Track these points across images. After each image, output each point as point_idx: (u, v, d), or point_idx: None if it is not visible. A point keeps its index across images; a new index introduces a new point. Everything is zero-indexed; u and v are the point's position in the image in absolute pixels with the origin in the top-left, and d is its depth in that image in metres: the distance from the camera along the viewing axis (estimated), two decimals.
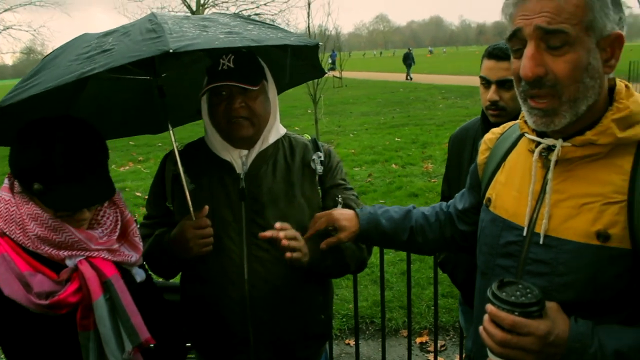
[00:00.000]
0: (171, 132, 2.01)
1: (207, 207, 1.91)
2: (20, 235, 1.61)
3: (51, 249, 1.62)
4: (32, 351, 1.64)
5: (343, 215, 1.88)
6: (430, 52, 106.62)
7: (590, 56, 1.23)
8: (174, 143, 1.98)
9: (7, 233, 1.62)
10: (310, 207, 2.06)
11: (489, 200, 1.54)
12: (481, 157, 1.66)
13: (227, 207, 1.98)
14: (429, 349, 4.17)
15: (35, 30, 38.15)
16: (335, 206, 2.08)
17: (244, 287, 1.96)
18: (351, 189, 2.20)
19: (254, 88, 1.92)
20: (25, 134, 1.62)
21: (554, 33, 1.21)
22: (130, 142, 13.92)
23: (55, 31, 43.32)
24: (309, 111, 11.20)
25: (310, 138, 2.20)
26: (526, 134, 1.43)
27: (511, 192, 1.47)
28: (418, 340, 4.30)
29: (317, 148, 2.14)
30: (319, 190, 2.09)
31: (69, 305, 1.62)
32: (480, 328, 1.27)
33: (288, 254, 1.79)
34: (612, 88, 1.34)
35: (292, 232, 1.83)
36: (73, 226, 1.66)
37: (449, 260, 2.59)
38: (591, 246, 1.27)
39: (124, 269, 1.79)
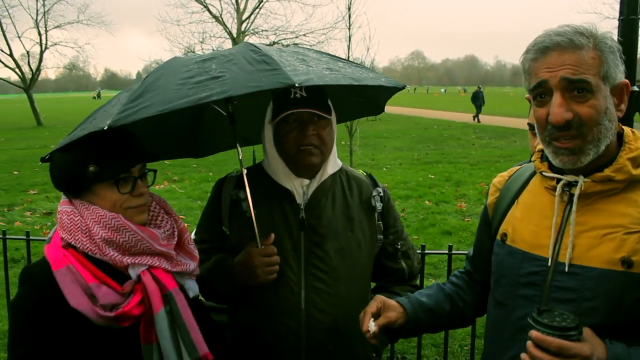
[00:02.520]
0: (240, 157, 2.04)
1: (273, 235, 1.94)
2: (87, 242, 1.66)
3: (116, 254, 1.66)
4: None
5: (387, 304, 1.77)
6: (464, 90, 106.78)
7: (607, 102, 1.41)
8: (242, 169, 2.02)
9: (73, 243, 1.67)
10: (367, 243, 2.09)
11: (505, 235, 1.64)
12: (491, 198, 1.78)
13: (286, 235, 2.00)
14: None
15: (80, 48, 39.30)
16: (395, 253, 2.13)
17: (301, 317, 1.97)
18: (403, 229, 2.25)
19: (329, 117, 1.98)
20: (63, 149, 1.72)
21: (578, 82, 1.38)
22: (166, 162, 14.15)
23: (99, 49, 44.56)
24: (343, 142, 11.29)
25: (365, 174, 2.23)
26: (544, 173, 1.56)
27: (528, 226, 1.58)
28: None
29: (375, 184, 2.18)
30: (379, 226, 2.12)
31: (132, 318, 1.66)
32: (524, 355, 1.33)
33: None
34: (619, 132, 1.51)
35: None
36: (135, 224, 1.70)
37: None
38: (616, 272, 1.38)
39: (179, 284, 1.81)
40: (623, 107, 1.44)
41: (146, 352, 1.69)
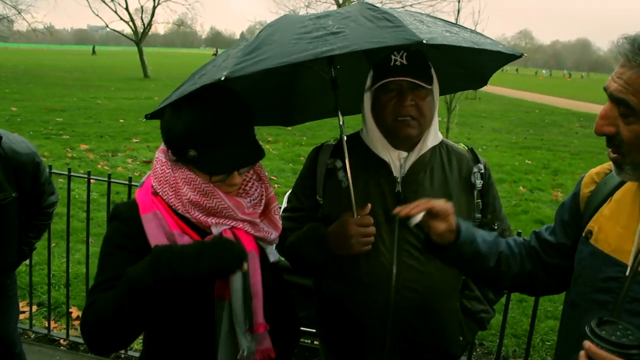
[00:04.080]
0: (341, 126, 2.01)
1: (369, 205, 1.90)
2: (173, 197, 1.69)
3: (200, 215, 1.68)
4: (170, 312, 1.69)
5: (448, 216, 1.71)
6: (570, 75, 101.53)
7: None
8: (343, 137, 1.98)
9: (161, 194, 1.70)
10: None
11: (590, 232, 1.52)
12: (585, 190, 1.63)
13: (380, 208, 1.96)
14: None
15: (190, 5, 40.57)
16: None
17: (390, 293, 1.94)
18: (501, 208, 2.15)
19: (429, 87, 1.90)
20: (177, 103, 1.67)
21: (619, 101, 1.30)
22: None
23: (207, 7, 45.69)
24: (440, 119, 11.02)
25: (467, 148, 2.14)
26: None
27: (615, 227, 1.45)
28: None
29: (477, 160, 2.09)
30: (478, 204, 2.05)
31: None
32: None
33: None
34: None
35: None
36: (224, 192, 1.70)
37: None
38: None
39: (260, 247, 1.82)
40: None
41: (218, 307, 1.71)
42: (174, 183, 1.69)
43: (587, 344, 1.23)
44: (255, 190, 1.82)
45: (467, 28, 2.05)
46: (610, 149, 1.39)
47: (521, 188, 9.87)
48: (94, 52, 76.12)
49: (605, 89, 1.35)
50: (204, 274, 1.51)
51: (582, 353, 1.24)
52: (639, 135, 1.30)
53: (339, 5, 25.49)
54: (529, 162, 12.42)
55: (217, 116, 1.63)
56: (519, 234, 3.06)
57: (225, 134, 1.64)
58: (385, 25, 1.63)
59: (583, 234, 1.56)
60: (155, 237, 1.65)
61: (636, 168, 1.35)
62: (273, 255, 1.90)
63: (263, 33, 1.76)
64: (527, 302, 5.02)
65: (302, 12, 26.38)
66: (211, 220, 1.69)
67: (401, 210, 1.68)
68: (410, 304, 1.94)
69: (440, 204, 1.68)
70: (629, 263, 1.38)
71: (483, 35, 2.02)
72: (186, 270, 1.50)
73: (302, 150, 11.81)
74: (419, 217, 1.65)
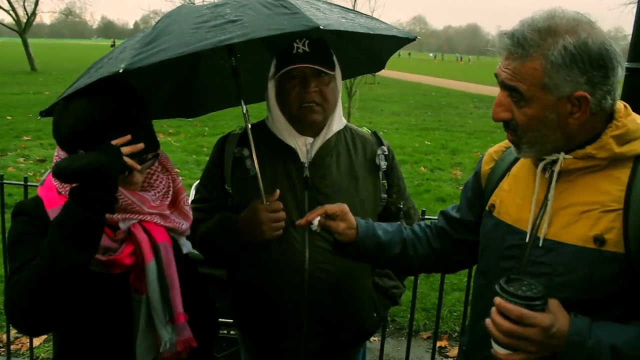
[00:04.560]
0: (245, 115, 2.00)
1: (278, 190, 1.92)
2: None
3: None
4: (86, 308, 1.67)
5: (346, 215, 1.81)
6: (460, 59, 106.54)
7: (548, 111, 1.40)
8: (248, 126, 1.98)
9: (64, 193, 1.64)
10: (371, 202, 2.08)
11: (493, 206, 1.66)
12: (485, 167, 1.78)
13: (290, 193, 1.98)
14: (447, 353, 4.20)
15: None
16: (397, 212, 2.12)
17: (304, 275, 1.97)
18: (405, 188, 2.23)
19: (331, 72, 1.93)
20: (65, 100, 1.62)
21: (511, 89, 1.43)
22: None
23: None
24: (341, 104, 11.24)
25: (370, 132, 2.20)
26: None
27: (515, 199, 1.60)
28: (438, 344, 4.30)
29: (380, 142, 2.15)
30: (383, 185, 2.10)
31: (123, 267, 1.65)
32: (487, 320, 1.37)
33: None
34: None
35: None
36: (126, 189, 1.67)
37: None
38: (588, 249, 1.40)
39: (172, 239, 1.81)
40: (579, 115, 1.40)
41: (136, 302, 1.69)
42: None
43: (497, 299, 1.35)
44: (161, 182, 1.80)
45: (362, 14, 2.12)
46: (508, 133, 1.51)
47: (422, 168, 10.24)
48: None
49: (496, 77, 1.46)
50: (93, 168, 1.46)
51: (493, 309, 1.36)
52: (531, 117, 1.42)
53: None
54: (429, 143, 12.89)
55: (102, 114, 1.57)
56: (423, 212, 3.18)
57: (110, 133, 1.57)
58: (282, 12, 1.65)
59: (486, 208, 1.69)
60: None
61: (532, 146, 1.47)
62: (186, 247, 1.89)
63: (160, 24, 1.73)
64: (434, 276, 5.23)
65: (198, 1, 25.79)
66: (117, 216, 1.65)
67: (301, 221, 1.78)
68: (324, 285, 1.98)
69: (334, 206, 1.79)
70: (528, 230, 1.52)
71: (378, 21, 2.09)
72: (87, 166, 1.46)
73: (205, 141, 11.61)
74: (316, 222, 1.75)
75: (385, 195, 2.12)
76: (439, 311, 3.30)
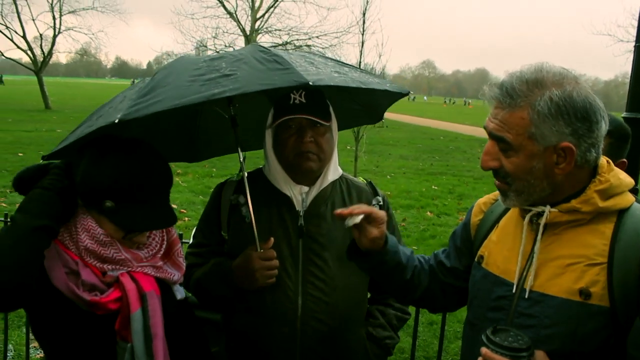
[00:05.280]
0: (242, 164, 2.04)
1: (272, 238, 1.94)
2: (69, 242, 1.67)
3: (95, 261, 1.68)
4: (71, 347, 1.68)
5: (380, 223, 1.77)
6: (468, 103, 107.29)
7: (535, 160, 1.44)
8: (244, 175, 2.01)
9: (59, 238, 1.68)
10: None
11: (482, 257, 1.69)
12: (475, 219, 1.81)
13: (284, 242, 2.00)
14: None
15: (93, 34, 39.37)
16: None
17: (297, 324, 1.97)
18: (400, 238, 2.24)
19: (327, 124, 1.98)
20: (99, 151, 1.68)
21: (498, 139, 1.47)
22: None
23: (112, 37, 44.52)
24: (348, 147, 11.31)
25: (366, 182, 2.23)
26: None
27: (502, 251, 1.63)
28: None
29: (375, 193, 2.17)
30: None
31: (107, 310, 1.67)
32: None
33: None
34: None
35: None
36: (125, 246, 1.71)
37: None
38: (574, 302, 1.43)
39: (165, 285, 1.83)
40: (564, 166, 1.44)
41: (120, 348, 1.70)
42: (69, 229, 1.68)
43: (483, 350, 1.36)
44: (154, 239, 1.83)
45: (357, 68, 2.19)
46: (497, 180, 1.55)
47: (429, 213, 10.21)
48: (1, 81, 71.48)
49: (485, 128, 1.50)
50: None
51: (479, 359, 1.36)
52: (519, 167, 1.46)
53: (245, 37, 25.71)
54: (436, 187, 12.88)
55: (146, 174, 1.66)
56: None
57: (150, 193, 1.68)
58: (275, 67, 1.70)
59: (475, 259, 1.71)
60: (52, 267, 1.63)
61: (519, 195, 1.51)
62: (179, 292, 1.90)
63: (158, 75, 1.79)
64: (437, 324, 5.17)
65: (210, 42, 26.27)
66: (107, 266, 1.69)
67: (344, 210, 1.71)
68: (316, 334, 1.98)
69: (378, 211, 1.76)
70: (515, 281, 1.55)
71: (372, 75, 2.15)
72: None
73: (212, 182, 11.67)
74: (358, 219, 1.71)
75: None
76: (439, 357, 3.25)
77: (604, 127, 1.43)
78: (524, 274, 1.53)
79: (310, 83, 1.59)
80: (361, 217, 1.70)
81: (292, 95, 1.94)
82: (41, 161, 1.88)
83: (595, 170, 1.50)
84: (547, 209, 1.49)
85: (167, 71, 1.81)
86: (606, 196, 1.46)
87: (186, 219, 8.45)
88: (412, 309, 2.40)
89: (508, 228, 1.66)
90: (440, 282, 1.87)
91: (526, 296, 1.50)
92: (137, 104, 1.60)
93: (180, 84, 1.66)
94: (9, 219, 3.61)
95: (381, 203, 2.15)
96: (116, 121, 1.52)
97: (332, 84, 1.73)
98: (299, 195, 2.03)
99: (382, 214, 1.75)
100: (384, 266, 1.80)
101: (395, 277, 1.84)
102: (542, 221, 1.50)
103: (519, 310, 1.52)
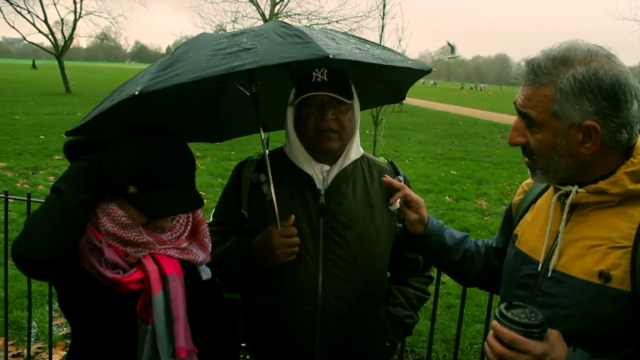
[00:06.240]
0: (263, 141, 2.04)
1: (293, 216, 1.94)
2: (91, 223, 1.69)
3: (117, 244, 1.69)
4: (95, 324, 1.71)
5: (420, 208, 1.91)
6: (471, 88, 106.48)
7: (559, 138, 1.43)
8: (266, 152, 2.02)
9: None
10: (385, 230, 2.08)
11: (516, 236, 1.70)
12: (516, 198, 1.83)
13: (305, 220, 2.00)
14: None
15: (113, 19, 39.55)
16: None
17: (317, 302, 1.97)
18: None
19: (348, 101, 1.96)
20: (124, 137, 1.68)
21: (523, 115, 1.47)
22: None
23: (132, 21, 44.65)
24: (367, 132, 11.29)
25: (387, 161, 2.22)
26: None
27: (534, 230, 1.63)
28: None
29: (397, 172, 2.16)
30: (399, 214, 2.11)
31: (129, 290, 1.68)
32: (485, 343, 1.40)
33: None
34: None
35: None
36: (148, 229, 1.72)
37: None
38: (592, 284, 1.40)
39: (191, 266, 1.83)
40: (590, 145, 1.41)
41: (142, 330, 1.70)
42: (94, 212, 1.69)
43: (494, 322, 1.38)
44: (178, 221, 1.83)
45: (379, 45, 2.15)
46: (525, 157, 1.55)
47: (447, 198, 10.17)
48: (34, 66, 72.04)
49: (514, 103, 1.50)
50: None
51: (490, 332, 1.38)
52: (543, 144, 1.45)
53: (264, 21, 25.60)
54: (454, 172, 12.81)
55: (167, 159, 1.66)
56: None
57: (172, 177, 1.67)
58: (295, 41, 1.70)
59: (511, 238, 1.72)
60: (81, 250, 1.64)
61: (545, 172, 1.50)
62: (205, 273, 1.90)
63: (179, 50, 1.80)
64: (455, 307, 5.17)
65: (229, 27, 26.23)
66: (129, 249, 1.70)
67: (388, 180, 1.92)
68: (337, 311, 1.98)
69: (414, 195, 1.89)
70: (540, 260, 1.54)
71: (394, 52, 2.12)
72: None
73: (231, 165, 11.68)
74: (397, 204, 1.84)
75: (401, 225, 2.12)
76: (457, 342, 3.26)
77: (636, 106, 1.38)
78: (550, 253, 1.52)
79: (331, 56, 1.58)
80: (398, 202, 1.84)
81: (315, 73, 1.93)
82: (64, 137, 1.89)
83: (630, 151, 1.45)
84: (575, 188, 1.47)
85: (188, 46, 1.81)
86: (637, 179, 1.41)
87: (206, 201, 8.47)
88: (432, 289, 2.40)
89: (542, 208, 1.65)
90: (493, 265, 1.90)
91: (549, 275, 1.49)
92: (158, 76, 1.60)
93: (200, 58, 1.66)
94: (31, 198, 3.68)
95: (402, 182, 2.13)
96: (136, 93, 1.53)
97: (352, 59, 1.72)
98: (320, 173, 2.03)
99: (417, 198, 1.85)
100: (428, 247, 1.93)
101: (441, 258, 1.95)
102: (568, 201, 1.49)
103: (542, 289, 1.52)
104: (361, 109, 2.16)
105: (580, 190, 1.47)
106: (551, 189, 1.64)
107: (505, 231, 1.87)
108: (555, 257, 1.49)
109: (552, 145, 1.44)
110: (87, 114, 1.78)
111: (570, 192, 1.49)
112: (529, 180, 1.78)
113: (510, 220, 1.82)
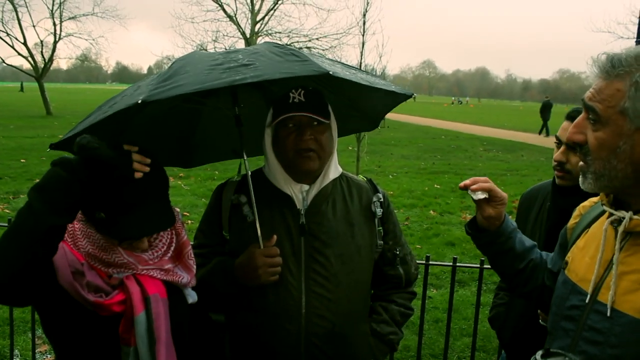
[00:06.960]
0: (245, 163, 2.06)
1: (275, 236, 1.95)
2: (71, 244, 1.68)
3: (99, 265, 1.68)
4: (78, 348, 1.69)
5: (501, 203, 1.76)
6: (460, 102, 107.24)
7: (622, 140, 1.28)
8: (248, 173, 2.03)
9: (65, 238, 1.68)
10: (367, 248, 2.09)
11: (566, 263, 1.57)
12: (572, 221, 1.70)
13: (287, 240, 2.00)
14: None
15: (93, 40, 39.39)
16: (393, 259, 2.16)
17: (301, 321, 1.97)
18: (401, 234, 2.26)
19: (326, 121, 1.98)
20: None
21: (588, 108, 1.34)
22: None
23: (112, 42, 44.55)
24: (350, 148, 11.30)
25: (366, 179, 2.24)
26: (603, 204, 1.45)
27: (584, 258, 1.49)
28: None
29: (375, 190, 2.18)
30: (379, 232, 2.13)
31: (112, 313, 1.66)
32: None
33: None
34: None
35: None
36: (127, 250, 1.71)
37: (498, 317, 2.57)
38: None
39: (176, 289, 1.82)
40: None
41: (124, 353, 1.69)
42: (72, 232, 1.68)
43: None
44: (161, 241, 1.82)
45: (362, 70, 2.23)
46: (580, 157, 1.42)
47: (432, 212, 10.20)
48: (21, 89, 71.29)
49: (582, 100, 1.39)
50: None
51: None
52: (603, 143, 1.32)
53: (245, 40, 25.76)
54: (438, 186, 12.87)
55: (136, 181, 1.62)
56: (427, 258, 3.18)
57: (141, 198, 1.65)
58: (293, 59, 1.74)
59: (563, 264, 1.61)
60: (58, 266, 1.61)
61: (598, 178, 1.35)
62: (191, 297, 1.89)
63: (175, 65, 1.82)
64: (442, 322, 5.17)
65: (210, 46, 26.32)
66: (111, 270, 1.68)
67: (466, 182, 1.77)
68: (321, 330, 1.98)
69: (499, 191, 1.74)
70: (589, 291, 1.41)
71: (377, 77, 2.19)
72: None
73: (214, 185, 11.54)
74: (482, 195, 1.72)
75: (382, 242, 2.14)
76: (445, 357, 3.26)
77: None
78: (600, 284, 1.39)
79: (331, 72, 1.61)
80: (486, 194, 1.72)
81: (292, 94, 1.95)
82: (48, 150, 1.87)
83: None
84: (629, 215, 1.33)
85: (184, 61, 1.83)
86: None
87: (189, 222, 8.45)
88: (416, 305, 2.39)
89: (595, 235, 1.51)
90: (546, 285, 1.78)
91: (597, 309, 1.36)
92: (159, 87, 1.61)
93: (199, 72, 1.68)
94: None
95: (381, 200, 2.15)
96: (139, 102, 1.54)
97: (347, 78, 1.75)
98: (300, 193, 2.04)
99: (502, 195, 1.76)
100: (494, 247, 1.79)
101: (505, 262, 1.81)
102: (621, 229, 1.35)
103: (588, 324, 1.38)
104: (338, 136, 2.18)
105: (635, 217, 1.33)
106: (607, 214, 1.48)
107: (558, 254, 1.75)
108: (611, 291, 1.34)
109: (613, 146, 1.30)
110: (74, 127, 1.80)
111: (624, 218, 1.35)
112: (587, 203, 1.68)
113: (565, 244, 1.70)
